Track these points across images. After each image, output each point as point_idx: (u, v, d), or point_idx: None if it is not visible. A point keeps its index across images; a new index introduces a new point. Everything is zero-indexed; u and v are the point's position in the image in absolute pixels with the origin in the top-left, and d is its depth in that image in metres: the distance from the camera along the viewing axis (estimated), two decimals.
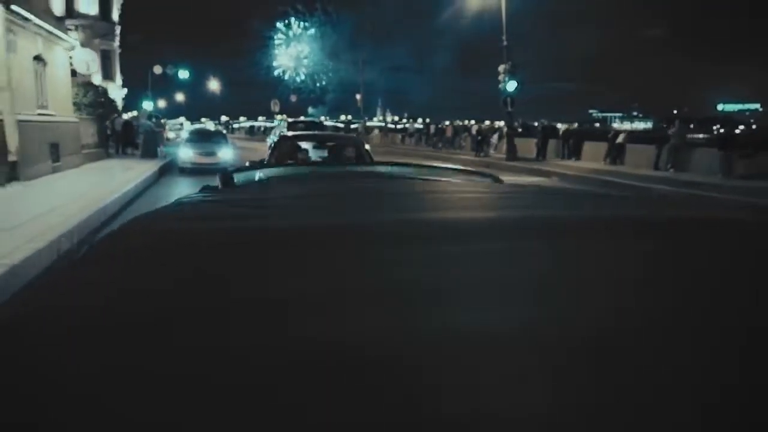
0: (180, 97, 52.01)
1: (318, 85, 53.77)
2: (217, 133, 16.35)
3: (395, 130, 38.99)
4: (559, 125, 21.27)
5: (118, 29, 22.88)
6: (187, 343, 0.33)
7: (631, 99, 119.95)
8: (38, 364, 0.32)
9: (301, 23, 52.28)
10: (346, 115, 61.04)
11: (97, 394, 0.28)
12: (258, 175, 1.74)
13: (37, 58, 11.27)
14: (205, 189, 1.19)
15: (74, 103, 14.23)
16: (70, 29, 13.74)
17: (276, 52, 52.83)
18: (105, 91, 17.33)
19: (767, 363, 0.31)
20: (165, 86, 41.63)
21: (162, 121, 26.19)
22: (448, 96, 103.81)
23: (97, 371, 0.30)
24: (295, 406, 0.27)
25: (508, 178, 1.96)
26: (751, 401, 0.28)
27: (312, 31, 52.44)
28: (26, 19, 10.18)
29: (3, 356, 0.33)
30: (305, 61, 53.17)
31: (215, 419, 0.26)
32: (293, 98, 43.84)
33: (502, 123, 20.89)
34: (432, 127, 28.60)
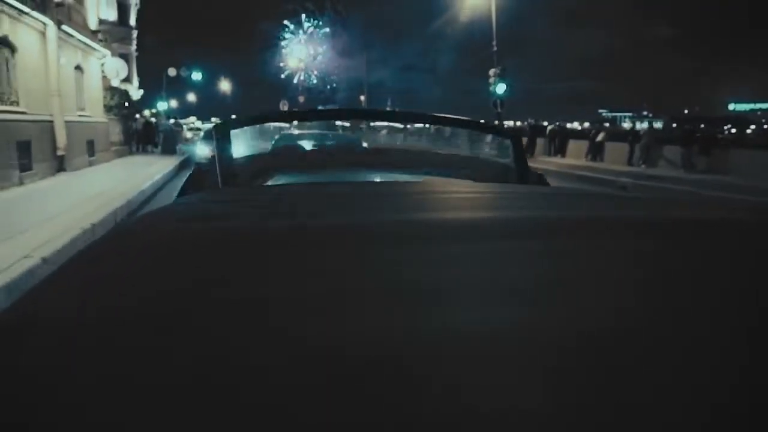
0: (191, 97, 53.35)
1: (328, 87, 54.57)
2: None
3: (402, 131, 40.30)
4: (568, 125, 22.46)
5: (134, 33, 24.29)
6: (187, 343, 0.33)
7: (641, 98, 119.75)
8: (38, 364, 0.32)
9: (311, 22, 53.01)
10: None
11: (96, 395, 0.28)
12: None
13: (77, 68, 13.12)
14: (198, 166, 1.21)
15: (104, 106, 16.04)
16: (101, 41, 15.53)
17: (285, 51, 53.57)
18: (128, 94, 19.14)
19: (767, 363, 0.32)
20: (178, 87, 43.20)
21: (181, 121, 28.24)
22: (457, 96, 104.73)
23: (97, 372, 0.30)
24: (295, 406, 0.27)
25: None
26: (751, 401, 0.28)
27: (322, 30, 53.18)
28: (70, 35, 12.07)
29: (3, 356, 0.34)
30: (315, 61, 54.00)
31: (215, 419, 0.26)
32: (301, 99, 45.06)
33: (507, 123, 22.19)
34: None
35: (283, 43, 53.22)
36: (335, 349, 0.32)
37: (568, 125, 22.79)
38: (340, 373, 0.29)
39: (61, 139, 10.81)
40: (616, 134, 19.24)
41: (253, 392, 0.28)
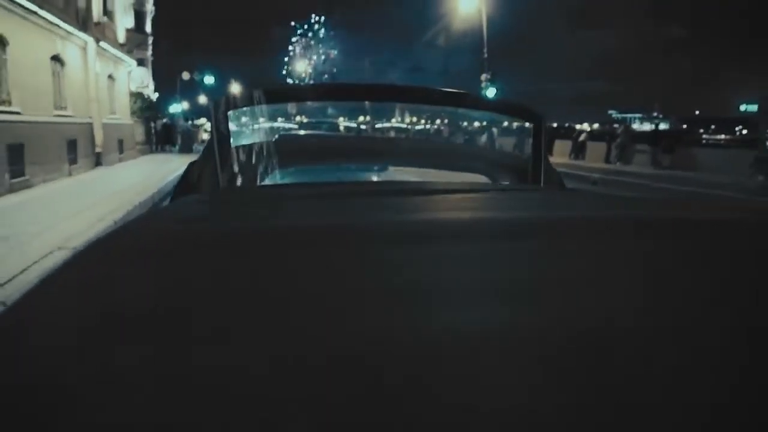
0: (203, 99, 55.10)
1: None
2: None
3: (405, 130, 41.86)
4: (577, 126, 23.73)
5: (150, 39, 25.82)
6: (187, 343, 0.33)
7: (652, 99, 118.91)
8: (38, 364, 0.32)
9: (320, 26, 53.81)
10: (365, 117, 62.89)
11: (96, 395, 0.28)
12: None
13: (110, 77, 15.18)
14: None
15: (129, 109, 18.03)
16: (129, 52, 17.54)
17: (293, 55, 54.40)
18: (149, 98, 21.02)
19: (767, 363, 0.31)
20: (190, 89, 45.01)
21: (197, 122, 30.28)
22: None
23: (96, 372, 0.30)
24: (295, 406, 0.27)
25: None
26: (751, 401, 0.28)
27: (330, 33, 54.10)
28: (105, 50, 14.12)
29: (3, 357, 0.34)
30: (324, 64, 55.13)
31: (215, 419, 0.26)
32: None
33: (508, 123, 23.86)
34: (438, 128, 31.87)
35: (290, 47, 54.23)
36: (335, 349, 0.32)
37: (578, 126, 24.10)
38: (340, 373, 0.29)
39: (99, 138, 12.83)
40: (600, 134, 20.74)
41: (253, 392, 0.28)
